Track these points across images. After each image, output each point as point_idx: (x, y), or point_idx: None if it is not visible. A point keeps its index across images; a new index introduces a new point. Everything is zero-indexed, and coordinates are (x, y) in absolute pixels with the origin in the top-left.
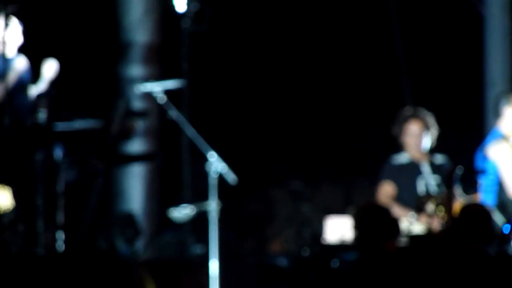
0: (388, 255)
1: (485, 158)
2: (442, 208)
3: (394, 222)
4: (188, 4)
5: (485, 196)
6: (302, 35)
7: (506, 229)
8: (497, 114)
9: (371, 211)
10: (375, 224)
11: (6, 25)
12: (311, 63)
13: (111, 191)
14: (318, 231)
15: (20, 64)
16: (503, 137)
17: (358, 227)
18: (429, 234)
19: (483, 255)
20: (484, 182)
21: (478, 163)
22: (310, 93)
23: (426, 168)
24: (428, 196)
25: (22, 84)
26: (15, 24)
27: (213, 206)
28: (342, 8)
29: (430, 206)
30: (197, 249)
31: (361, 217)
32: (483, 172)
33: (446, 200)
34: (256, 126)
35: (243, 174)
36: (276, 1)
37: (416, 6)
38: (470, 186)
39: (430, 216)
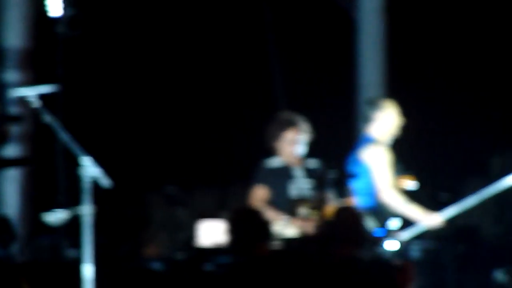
0: (261, 258)
1: (357, 162)
2: (315, 211)
3: (266, 226)
4: (63, 9)
5: (361, 199)
6: (174, 40)
7: (379, 232)
8: (367, 119)
9: (243, 215)
10: (247, 227)
11: None
12: (186, 69)
13: None
14: (192, 235)
15: None
16: (375, 142)
17: (231, 230)
18: (302, 238)
19: (354, 259)
20: (359, 186)
21: (350, 167)
22: (186, 99)
23: (298, 173)
24: (301, 199)
25: None
26: None
27: (87, 210)
28: (214, 13)
29: (303, 210)
30: (71, 253)
31: (234, 221)
32: (354, 176)
33: (318, 204)
34: (132, 131)
35: (118, 179)
36: (150, 7)
37: (289, 10)
38: (343, 190)
39: (303, 219)
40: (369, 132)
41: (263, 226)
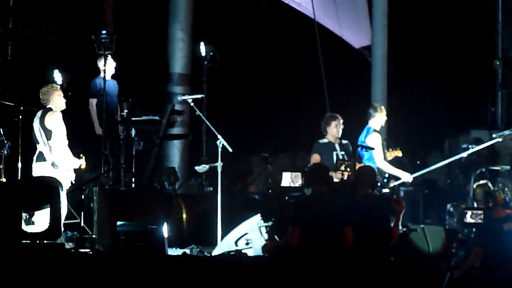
0: (321, 193)
1: (364, 142)
2: (348, 167)
3: (327, 174)
4: (206, 51)
5: (369, 164)
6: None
7: (384, 180)
8: (369, 116)
9: (319, 167)
10: (318, 173)
11: (105, 62)
12: (276, 87)
13: (163, 155)
14: (277, 180)
15: (113, 84)
16: (373, 130)
17: (309, 175)
18: (341, 182)
19: (370, 195)
20: (367, 156)
21: (362, 145)
22: (278, 105)
23: (337, 147)
24: (341, 161)
25: (113, 95)
26: (111, 62)
27: (219, 164)
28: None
29: (342, 167)
30: (209, 189)
31: (313, 170)
32: (367, 149)
33: (351, 164)
34: (243, 121)
35: (235, 147)
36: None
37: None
38: (359, 157)
39: (342, 172)
40: (370, 124)
41: (326, 174)
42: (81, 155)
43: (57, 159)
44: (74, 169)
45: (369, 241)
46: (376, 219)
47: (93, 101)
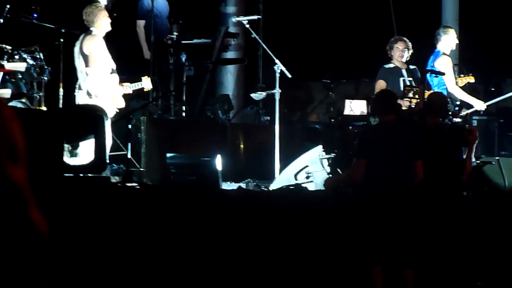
0: (389, 123)
1: (434, 67)
2: (417, 94)
3: (397, 102)
4: None
5: (440, 90)
6: None
7: (455, 108)
8: (438, 40)
9: (386, 94)
10: (387, 102)
11: None
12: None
13: (216, 82)
14: (340, 108)
15: (163, 4)
16: (443, 53)
17: (376, 103)
18: (410, 111)
19: (442, 124)
20: (437, 82)
21: (431, 70)
22: (335, 23)
23: (404, 72)
24: (408, 87)
25: (162, 17)
26: None
27: (276, 92)
28: None
29: (410, 93)
30: (266, 118)
31: (379, 97)
32: (437, 74)
33: (420, 90)
34: (303, 44)
35: (295, 73)
36: None
37: None
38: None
39: (410, 100)
40: (439, 47)
41: (394, 102)
42: (145, 76)
43: (92, 87)
44: (124, 96)
45: (440, 175)
46: (447, 151)
47: (141, 23)
